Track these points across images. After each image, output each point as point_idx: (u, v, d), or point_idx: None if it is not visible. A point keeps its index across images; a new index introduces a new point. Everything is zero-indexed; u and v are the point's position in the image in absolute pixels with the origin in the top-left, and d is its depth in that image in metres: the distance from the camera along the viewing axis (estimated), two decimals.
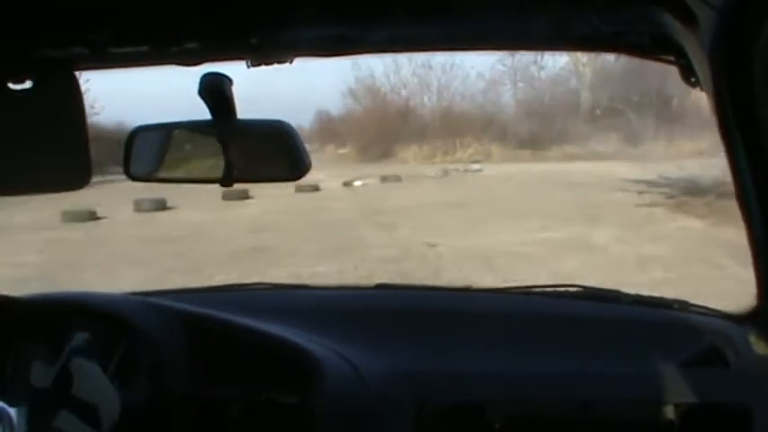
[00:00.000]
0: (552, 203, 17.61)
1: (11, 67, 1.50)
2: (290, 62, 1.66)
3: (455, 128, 39.11)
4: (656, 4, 1.34)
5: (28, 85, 1.51)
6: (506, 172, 27.94)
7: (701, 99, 1.40)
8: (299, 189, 21.00)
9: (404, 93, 42.63)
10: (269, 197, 20.03)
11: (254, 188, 20.03)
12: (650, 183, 20.59)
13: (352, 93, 43.44)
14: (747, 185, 1.37)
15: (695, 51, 1.33)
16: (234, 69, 1.63)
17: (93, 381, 1.60)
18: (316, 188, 22.29)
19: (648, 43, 1.56)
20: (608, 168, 26.29)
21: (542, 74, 43.06)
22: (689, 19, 1.27)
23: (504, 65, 41.73)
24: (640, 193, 18.92)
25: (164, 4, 1.45)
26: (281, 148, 1.67)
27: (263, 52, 1.63)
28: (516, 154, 37.81)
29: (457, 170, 30.38)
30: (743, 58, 1.20)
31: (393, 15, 1.53)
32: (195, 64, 1.68)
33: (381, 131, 39.62)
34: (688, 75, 1.49)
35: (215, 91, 1.61)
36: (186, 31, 1.55)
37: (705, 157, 18.32)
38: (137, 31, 1.53)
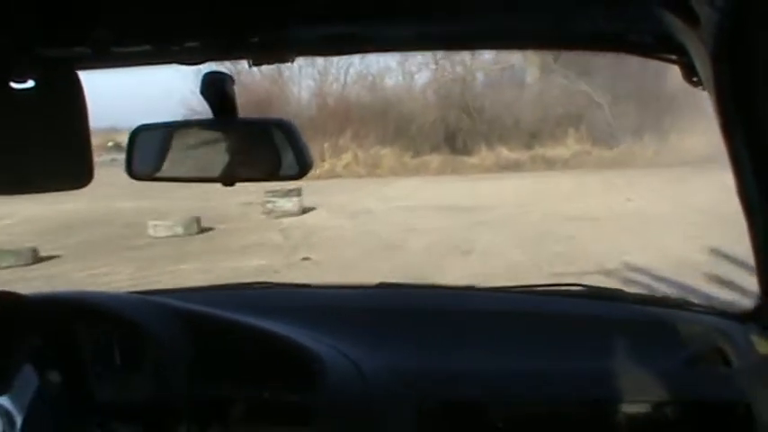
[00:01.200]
0: None
1: (13, 66, 1.50)
2: (292, 61, 1.66)
3: (330, 124, 27.68)
4: (658, 4, 1.34)
5: (30, 84, 1.51)
6: (354, 209, 16.96)
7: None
8: None
9: (282, 77, 29.50)
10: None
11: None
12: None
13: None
14: (750, 184, 1.36)
15: (697, 50, 1.33)
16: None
17: None
18: None
19: (650, 42, 1.56)
20: (564, 189, 17.83)
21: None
22: (691, 18, 1.27)
23: None
24: None
25: (166, 4, 1.45)
26: (284, 146, 1.67)
27: (264, 51, 1.63)
28: (420, 163, 27.05)
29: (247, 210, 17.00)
30: (745, 58, 1.20)
31: (395, 14, 1.53)
32: (197, 63, 1.68)
33: None
34: (690, 74, 1.49)
35: (217, 90, 1.62)
36: (188, 30, 1.55)
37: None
38: (139, 30, 1.54)
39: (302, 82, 30.59)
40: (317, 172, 23.68)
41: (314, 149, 21.39)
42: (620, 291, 2.12)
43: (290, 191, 16.63)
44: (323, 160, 26.45)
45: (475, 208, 15.90)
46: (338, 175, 26.20)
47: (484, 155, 27.29)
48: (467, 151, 27.75)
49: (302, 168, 1.66)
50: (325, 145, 27.13)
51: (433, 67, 30.01)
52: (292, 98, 30.16)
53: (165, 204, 16.75)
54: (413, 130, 28.45)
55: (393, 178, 24.76)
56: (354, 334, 1.97)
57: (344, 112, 28.78)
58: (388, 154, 27.92)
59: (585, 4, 1.48)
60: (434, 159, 27.25)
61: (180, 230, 14.42)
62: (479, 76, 30.73)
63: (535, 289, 2.18)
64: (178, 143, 1.76)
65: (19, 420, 1.53)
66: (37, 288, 2.08)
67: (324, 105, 29.60)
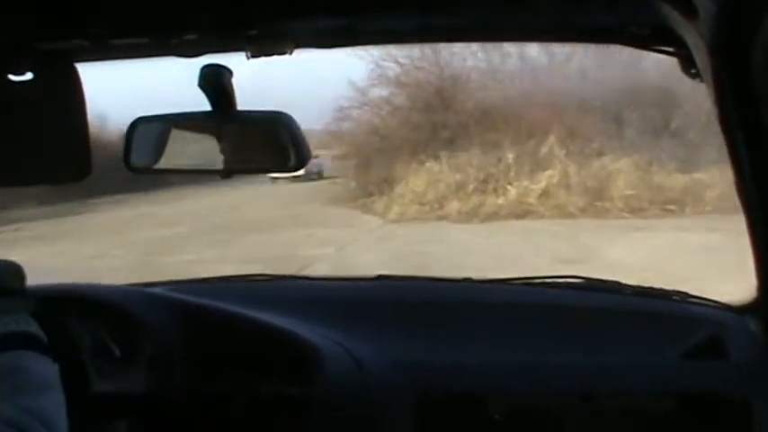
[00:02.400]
0: None
1: (11, 59, 1.50)
2: (290, 53, 1.66)
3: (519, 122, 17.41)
4: None
5: (28, 76, 1.51)
6: None
7: None
8: None
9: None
10: None
11: None
12: None
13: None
14: (747, 177, 1.37)
15: (695, 43, 1.33)
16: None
17: None
18: None
19: (649, 35, 1.56)
20: None
21: None
22: (689, 10, 1.27)
23: None
24: None
25: None
26: (282, 139, 1.67)
27: (262, 44, 1.62)
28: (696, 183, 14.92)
29: None
30: (743, 50, 1.20)
31: (394, 6, 1.52)
32: (195, 55, 1.68)
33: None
34: (688, 66, 1.49)
35: (215, 82, 1.61)
36: (186, 22, 1.55)
37: None
38: (137, 22, 1.53)
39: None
40: (483, 209, 16.60)
41: (477, 166, 17.65)
42: (619, 283, 2.12)
43: None
44: (509, 183, 17.09)
45: None
46: (531, 212, 16.31)
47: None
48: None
49: (300, 161, 1.65)
50: (509, 157, 17.49)
51: None
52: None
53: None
54: (676, 125, 15.82)
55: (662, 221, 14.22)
56: (353, 326, 1.97)
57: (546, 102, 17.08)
58: (624, 168, 16.02)
59: None
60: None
61: None
62: None
63: (533, 281, 2.18)
64: (176, 135, 1.76)
65: None
66: None
67: (506, 95, 18.56)
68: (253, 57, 1.64)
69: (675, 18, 1.35)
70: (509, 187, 17.32)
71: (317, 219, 17.35)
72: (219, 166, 1.71)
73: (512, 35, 1.75)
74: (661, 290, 2.10)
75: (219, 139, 1.68)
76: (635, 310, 2.01)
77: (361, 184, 20.73)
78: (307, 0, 1.47)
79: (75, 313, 1.84)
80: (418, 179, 18.64)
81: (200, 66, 1.61)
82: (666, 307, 2.02)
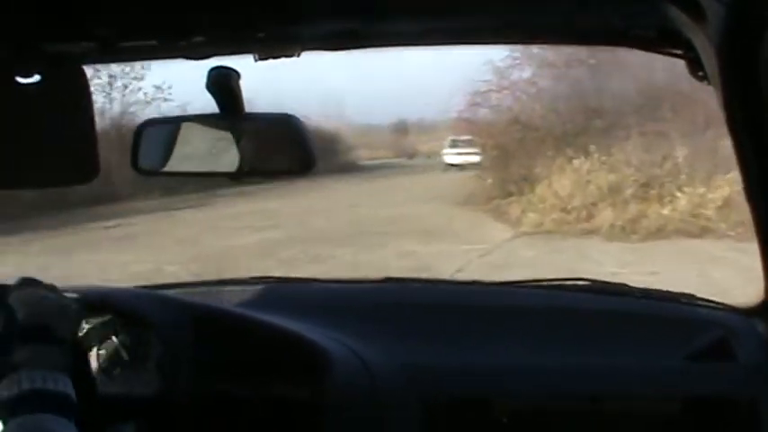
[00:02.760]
0: None
1: (19, 61, 1.50)
2: (298, 56, 1.66)
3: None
4: None
5: (36, 78, 1.51)
6: None
7: None
8: None
9: None
10: None
11: None
12: None
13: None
14: (755, 178, 1.37)
15: (703, 45, 1.33)
16: None
17: (34, 303, 1.47)
18: None
19: (656, 37, 1.56)
20: None
21: None
22: (697, 13, 1.27)
23: None
24: None
25: None
26: (289, 141, 1.67)
27: (270, 46, 1.63)
28: None
29: None
30: (751, 52, 1.20)
31: (401, 9, 1.52)
32: (202, 58, 1.68)
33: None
34: (696, 69, 1.48)
35: (222, 85, 1.62)
36: (193, 24, 1.55)
37: None
38: (144, 25, 1.54)
39: None
40: (644, 222, 13.25)
41: (637, 165, 13.51)
42: (625, 285, 2.12)
43: None
44: (679, 189, 13.80)
45: None
46: (708, 230, 12.80)
47: None
48: None
49: (307, 163, 1.66)
50: (679, 155, 14.38)
51: None
52: None
53: None
54: None
55: None
56: (361, 329, 1.97)
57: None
58: None
59: None
60: None
61: None
62: None
63: (541, 284, 2.17)
64: (184, 138, 1.76)
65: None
66: None
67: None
68: (260, 59, 1.64)
69: (683, 20, 1.35)
70: (678, 194, 13.52)
71: (431, 226, 14.39)
72: (227, 168, 1.71)
73: (519, 37, 1.75)
74: (668, 292, 2.09)
75: (227, 142, 1.69)
76: (642, 313, 2.00)
77: (498, 181, 17.57)
78: (313, 3, 1.47)
79: (86, 316, 1.84)
80: (563, 179, 15.21)
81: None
82: (674, 309, 2.01)
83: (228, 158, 1.69)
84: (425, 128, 46.65)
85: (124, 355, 1.91)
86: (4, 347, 1.43)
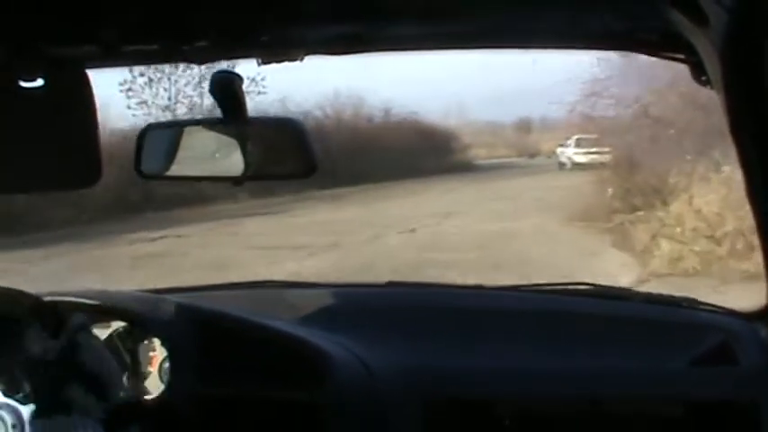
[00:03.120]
0: None
1: (22, 65, 1.51)
2: (301, 60, 1.66)
3: None
4: (666, 3, 1.34)
5: (39, 83, 1.52)
6: None
7: None
8: None
9: None
10: None
11: None
12: None
13: None
14: (758, 183, 1.36)
15: (706, 50, 1.33)
16: None
17: (97, 353, 1.63)
18: None
19: (659, 41, 1.56)
20: None
21: None
22: (700, 17, 1.27)
23: None
24: None
25: (175, 3, 1.45)
26: (291, 145, 1.67)
27: (273, 50, 1.63)
28: None
29: None
30: (754, 56, 1.20)
31: (403, 14, 1.53)
32: (205, 62, 1.68)
33: None
34: (698, 73, 1.48)
35: (226, 89, 1.62)
36: (196, 29, 1.55)
37: None
38: (147, 29, 1.54)
39: None
40: None
41: None
42: (627, 289, 2.12)
43: None
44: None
45: None
46: None
47: None
48: None
49: (309, 167, 1.66)
50: None
51: None
52: None
53: None
54: None
55: None
56: (363, 332, 1.97)
57: None
58: None
59: (594, 2, 1.47)
60: None
61: None
62: None
63: (543, 288, 2.18)
64: (187, 142, 1.76)
65: (28, 421, 1.53)
66: None
67: None
68: (263, 63, 1.64)
69: (685, 24, 1.35)
70: None
71: (530, 254, 11.11)
72: (230, 172, 1.71)
73: (521, 42, 1.74)
74: (670, 297, 2.09)
75: (230, 146, 1.69)
76: (644, 317, 2.00)
77: (621, 192, 14.19)
78: (317, 7, 1.47)
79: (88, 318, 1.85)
80: (709, 192, 11.08)
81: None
82: (676, 314, 2.01)
83: (231, 162, 1.70)
84: (548, 126, 41.31)
85: (127, 358, 1.91)
86: (56, 376, 1.54)
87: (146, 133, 1.75)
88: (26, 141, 1.54)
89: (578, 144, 27.12)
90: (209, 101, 19.08)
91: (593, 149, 21.66)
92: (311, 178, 1.67)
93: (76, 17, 1.45)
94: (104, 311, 1.89)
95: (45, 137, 1.54)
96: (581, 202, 15.06)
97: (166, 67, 23.30)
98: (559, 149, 30.86)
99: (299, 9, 1.48)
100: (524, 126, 50.98)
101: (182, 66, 21.10)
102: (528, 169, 31.10)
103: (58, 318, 1.64)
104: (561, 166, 29.50)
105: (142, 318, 1.91)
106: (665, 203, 12.22)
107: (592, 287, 2.14)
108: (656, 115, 13.85)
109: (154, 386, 1.89)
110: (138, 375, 1.90)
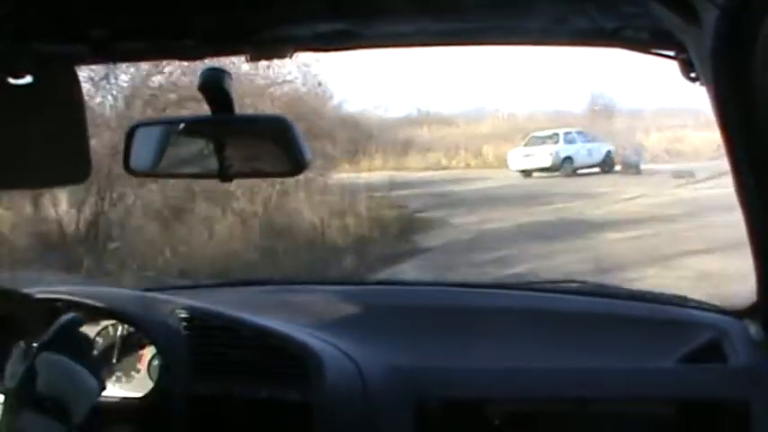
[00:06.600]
0: None
1: (11, 62, 1.50)
2: (290, 56, 1.66)
3: None
4: (656, 0, 1.34)
5: (28, 79, 1.51)
6: None
7: None
8: None
9: None
10: None
11: None
12: None
13: None
14: (748, 181, 1.37)
15: (696, 47, 1.33)
16: None
17: (58, 374, 1.49)
18: None
19: (648, 38, 1.56)
20: None
21: None
22: (690, 14, 1.27)
23: None
24: None
25: (164, 0, 1.45)
26: (280, 143, 1.66)
27: (262, 47, 1.62)
28: None
29: None
30: (744, 54, 1.20)
31: (392, 10, 1.52)
32: (195, 59, 1.68)
33: None
34: (688, 70, 1.49)
35: (214, 86, 1.61)
36: (186, 26, 1.55)
37: None
38: (137, 26, 1.53)
39: None
40: None
41: None
42: (618, 287, 2.12)
43: None
44: None
45: None
46: None
47: None
48: None
49: (299, 165, 1.65)
50: None
51: None
52: None
53: None
54: None
55: None
56: (353, 331, 1.97)
57: None
58: None
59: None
60: None
61: None
62: None
63: (534, 286, 2.18)
64: (176, 140, 1.76)
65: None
66: None
67: None
68: (252, 60, 1.64)
69: (675, 22, 1.35)
70: None
71: None
72: (218, 169, 1.70)
73: (510, 38, 1.74)
74: (661, 294, 2.10)
75: (219, 143, 1.68)
76: (634, 315, 2.01)
77: None
78: (307, 4, 1.47)
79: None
80: None
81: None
82: (666, 311, 2.02)
83: (220, 160, 1.69)
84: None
85: (118, 356, 1.91)
86: (14, 405, 1.46)
87: (134, 131, 1.74)
88: (15, 139, 1.53)
89: None
90: None
91: None
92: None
93: (66, 14, 1.45)
94: (93, 310, 1.88)
95: (34, 134, 1.54)
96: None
97: None
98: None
99: (288, 5, 1.48)
100: None
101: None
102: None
103: (48, 316, 1.63)
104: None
105: (131, 316, 1.90)
106: None
107: (582, 285, 2.14)
108: None
109: (143, 385, 1.88)
110: (128, 373, 1.90)
